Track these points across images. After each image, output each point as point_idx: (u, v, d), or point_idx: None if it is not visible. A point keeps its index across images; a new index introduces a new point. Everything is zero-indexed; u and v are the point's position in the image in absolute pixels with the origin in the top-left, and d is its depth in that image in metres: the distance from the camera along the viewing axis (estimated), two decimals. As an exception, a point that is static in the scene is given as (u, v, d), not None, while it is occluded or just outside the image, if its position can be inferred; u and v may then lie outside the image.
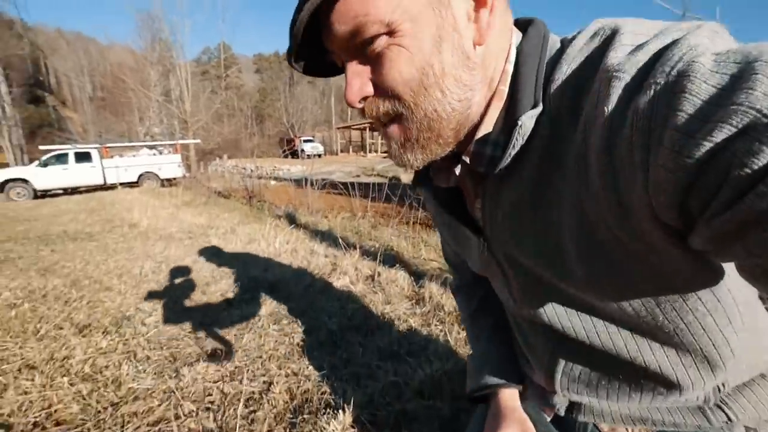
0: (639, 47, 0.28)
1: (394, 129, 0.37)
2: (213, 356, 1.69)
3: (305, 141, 30.06)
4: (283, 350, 1.72)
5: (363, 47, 0.34)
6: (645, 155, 0.25)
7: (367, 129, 29.95)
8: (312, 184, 6.84)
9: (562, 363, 0.46)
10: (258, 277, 2.79)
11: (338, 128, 33.78)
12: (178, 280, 2.75)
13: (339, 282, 2.64)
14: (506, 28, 0.37)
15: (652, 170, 0.25)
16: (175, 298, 2.43)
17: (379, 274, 2.67)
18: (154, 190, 11.33)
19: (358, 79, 0.35)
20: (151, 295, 2.44)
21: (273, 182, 12.31)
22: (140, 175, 13.04)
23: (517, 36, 0.38)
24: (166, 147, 15.50)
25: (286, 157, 28.18)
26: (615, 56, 0.29)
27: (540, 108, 0.34)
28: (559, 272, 0.38)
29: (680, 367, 0.39)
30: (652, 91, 0.24)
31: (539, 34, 0.37)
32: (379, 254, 3.21)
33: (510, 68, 0.37)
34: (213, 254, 3.59)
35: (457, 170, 0.40)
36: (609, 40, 0.31)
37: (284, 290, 2.52)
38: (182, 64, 21.57)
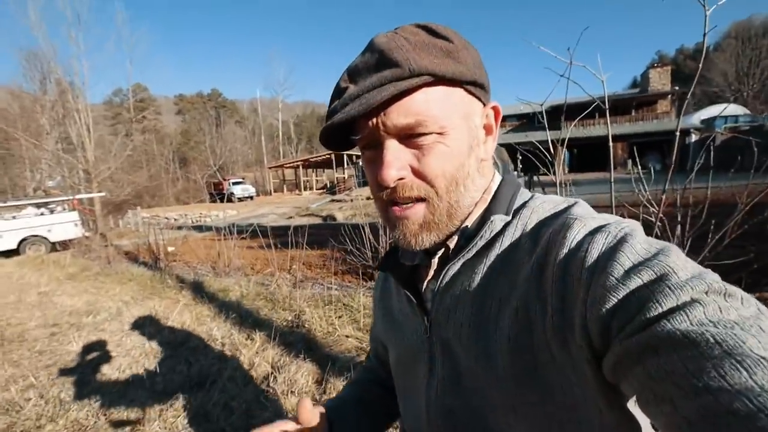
0: (596, 216, 0.38)
1: (418, 209, 0.41)
2: None
3: (234, 183, 28.41)
4: None
5: (413, 137, 0.39)
6: (590, 277, 0.32)
7: (301, 167, 29.42)
8: (233, 234, 6.09)
9: None
10: (111, 404, 2.09)
11: (270, 167, 32.73)
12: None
13: (224, 395, 2.06)
14: (491, 160, 0.47)
15: (593, 288, 0.31)
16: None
17: (275, 378, 2.14)
18: (37, 258, 9.49)
19: (397, 161, 0.39)
20: None
21: (194, 233, 11.03)
22: (21, 241, 10.91)
23: (498, 173, 0.49)
24: (60, 203, 13.34)
25: (214, 201, 26.32)
26: (578, 211, 0.39)
27: (509, 218, 0.43)
28: (484, 365, 0.40)
29: None
30: (605, 236, 0.33)
31: (516, 178, 0.48)
32: (280, 339, 2.69)
33: (494, 186, 0.46)
34: (68, 365, 2.76)
35: (440, 252, 0.44)
36: (572, 204, 0.42)
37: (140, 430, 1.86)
38: (83, 108, 19.24)
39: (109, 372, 2.55)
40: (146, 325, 3.44)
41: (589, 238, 0.34)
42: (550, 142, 2.30)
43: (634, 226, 0.35)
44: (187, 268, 6.49)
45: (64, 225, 11.70)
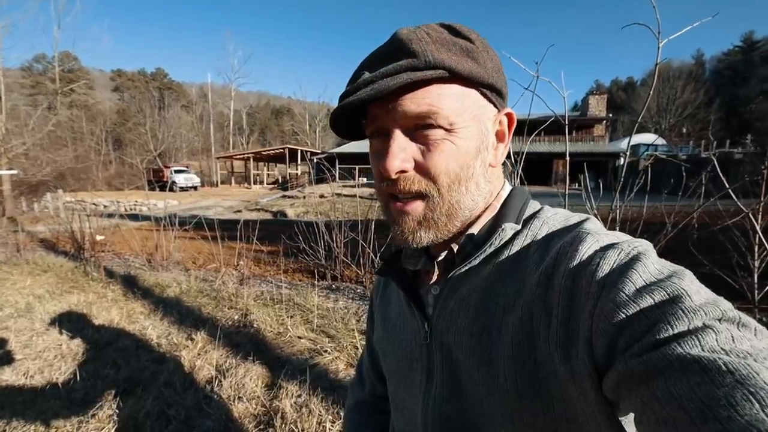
0: (608, 233, 0.38)
1: (417, 205, 0.41)
2: None
3: (177, 171, 26.27)
4: None
5: (421, 129, 0.39)
6: (600, 291, 0.31)
7: (252, 159, 28.14)
8: (174, 226, 5.58)
9: None
10: (14, 416, 1.77)
11: (218, 157, 30.89)
12: None
13: (159, 402, 1.84)
14: (500, 168, 0.47)
15: (601, 302, 0.31)
16: None
17: (220, 383, 1.96)
18: None
19: (402, 153, 0.39)
20: None
21: (128, 222, 9.92)
22: None
23: (508, 183, 0.49)
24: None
25: (153, 189, 24.15)
26: (591, 226, 0.39)
27: (519, 227, 0.42)
28: (485, 373, 0.39)
29: None
30: (617, 253, 0.33)
31: (525, 190, 0.48)
32: (226, 339, 2.49)
33: (504, 194, 0.47)
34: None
35: (443, 255, 0.44)
36: (584, 219, 0.42)
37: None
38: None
39: (12, 378, 2.18)
40: (64, 323, 3.01)
41: (601, 253, 0.34)
42: (512, 154, 2.40)
43: (647, 246, 0.35)
44: (118, 260, 5.87)
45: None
